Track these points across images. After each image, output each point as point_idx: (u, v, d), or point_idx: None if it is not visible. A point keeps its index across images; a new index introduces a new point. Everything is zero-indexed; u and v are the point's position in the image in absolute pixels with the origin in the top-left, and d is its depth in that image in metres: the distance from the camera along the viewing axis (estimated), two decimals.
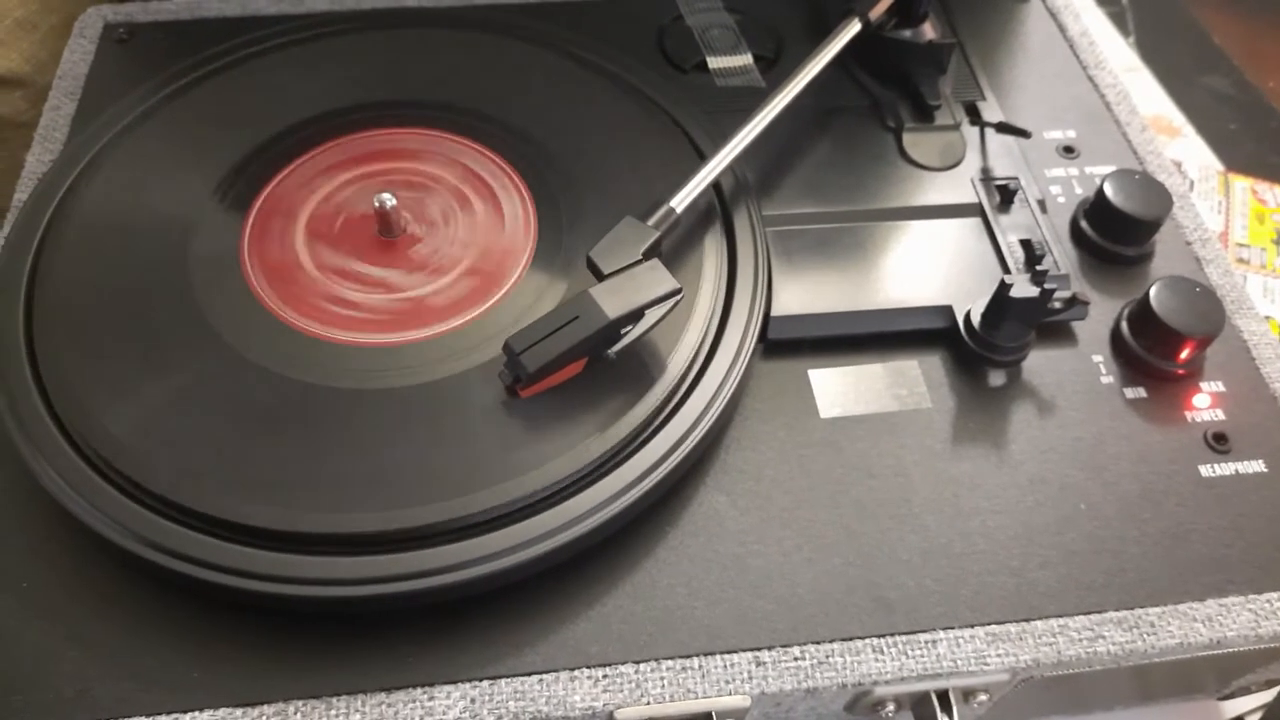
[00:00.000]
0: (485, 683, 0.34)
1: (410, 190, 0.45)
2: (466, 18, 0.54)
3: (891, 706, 0.37)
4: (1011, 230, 0.46)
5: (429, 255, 0.43)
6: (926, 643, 0.36)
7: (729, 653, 0.35)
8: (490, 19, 0.53)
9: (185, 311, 0.40)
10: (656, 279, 0.38)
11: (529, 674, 0.35)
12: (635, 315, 0.37)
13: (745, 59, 0.54)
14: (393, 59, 0.50)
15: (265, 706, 0.34)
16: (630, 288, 0.37)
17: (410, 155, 0.47)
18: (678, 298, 0.38)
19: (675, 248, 0.43)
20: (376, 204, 0.42)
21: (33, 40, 0.61)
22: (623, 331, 0.37)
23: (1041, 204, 0.47)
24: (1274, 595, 0.38)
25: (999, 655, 0.36)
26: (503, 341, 0.36)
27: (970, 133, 0.50)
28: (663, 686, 0.35)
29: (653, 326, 0.38)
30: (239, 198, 0.45)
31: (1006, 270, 0.44)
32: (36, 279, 0.41)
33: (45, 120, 0.50)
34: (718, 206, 0.45)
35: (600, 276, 0.38)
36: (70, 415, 0.37)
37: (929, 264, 0.45)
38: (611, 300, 0.37)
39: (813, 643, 0.36)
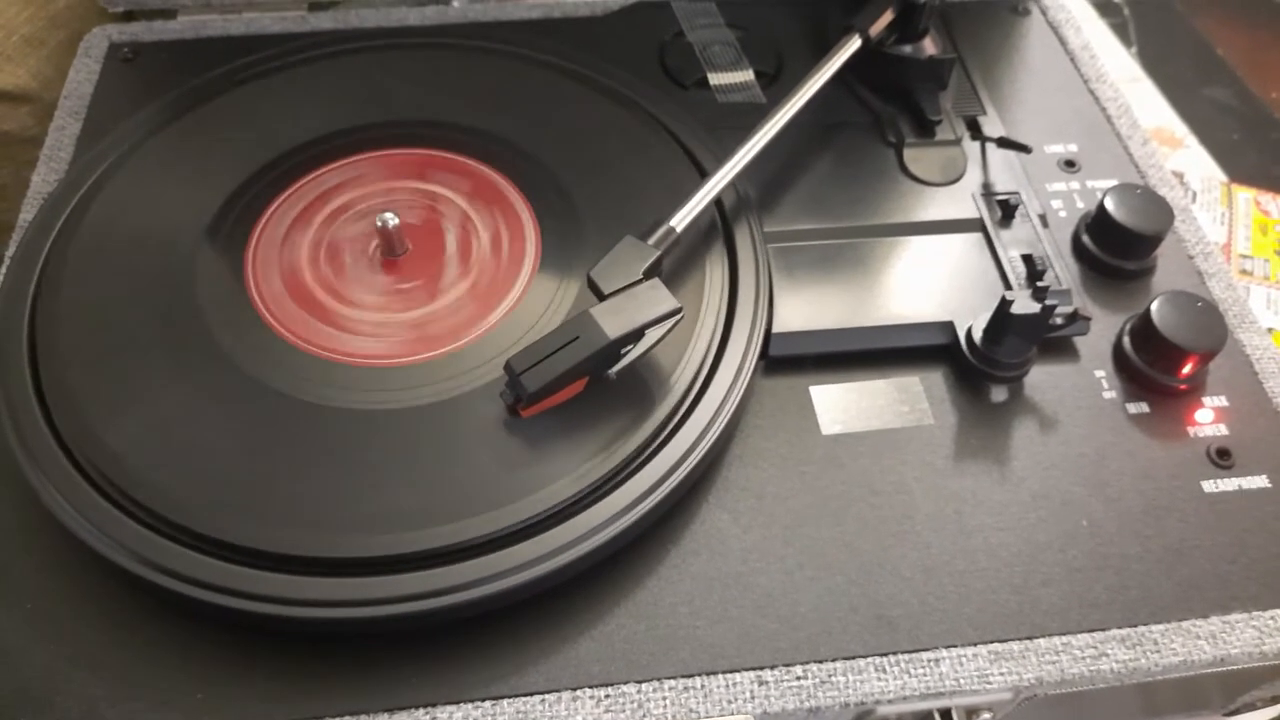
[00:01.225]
0: (487, 703, 0.35)
1: (412, 209, 0.45)
2: (468, 35, 0.54)
3: None
4: (1013, 245, 0.46)
5: (431, 275, 0.43)
6: (929, 661, 0.36)
7: (731, 672, 0.35)
8: (492, 36, 0.53)
9: (189, 331, 0.40)
10: (657, 298, 0.38)
11: (531, 694, 0.35)
12: (636, 335, 0.37)
13: (746, 75, 0.54)
14: (395, 78, 0.51)
15: None
16: (631, 307, 0.37)
17: (412, 174, 0.47)
18: (678, 317, 0.38)
19: (677, 264, 0.43)
20: (379, 224, 0.42)
21: (39, 56, 0.61)
22: (623, 351, 0.37)
23: (1043, 219, 0.47)
24: (1278, 612, 0.38)
25: (1002, 674, 0.36)
26: (504, 362, 0.37)
27: (971, 148, 0.51)
28: (665, 706, 0.35)
29: (653, 346, 0.38)
30: (243, 217, 0.45)
31: (1008, 286, 0.44)
32: (40, 298, 0.42)
33: (50, 140, 0.51)
34: (719, 223, 0.45)
35: (601, 296, 0.38)
36: (74, 435, 0.37)
37: (930, 280, 0.45)
38: (612, 320, 0.37)
39: (815, 662, 0.36)
